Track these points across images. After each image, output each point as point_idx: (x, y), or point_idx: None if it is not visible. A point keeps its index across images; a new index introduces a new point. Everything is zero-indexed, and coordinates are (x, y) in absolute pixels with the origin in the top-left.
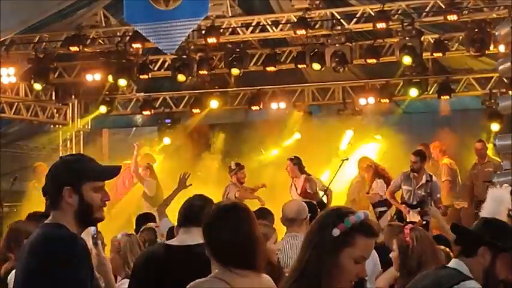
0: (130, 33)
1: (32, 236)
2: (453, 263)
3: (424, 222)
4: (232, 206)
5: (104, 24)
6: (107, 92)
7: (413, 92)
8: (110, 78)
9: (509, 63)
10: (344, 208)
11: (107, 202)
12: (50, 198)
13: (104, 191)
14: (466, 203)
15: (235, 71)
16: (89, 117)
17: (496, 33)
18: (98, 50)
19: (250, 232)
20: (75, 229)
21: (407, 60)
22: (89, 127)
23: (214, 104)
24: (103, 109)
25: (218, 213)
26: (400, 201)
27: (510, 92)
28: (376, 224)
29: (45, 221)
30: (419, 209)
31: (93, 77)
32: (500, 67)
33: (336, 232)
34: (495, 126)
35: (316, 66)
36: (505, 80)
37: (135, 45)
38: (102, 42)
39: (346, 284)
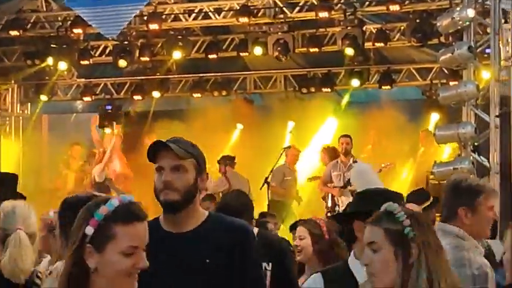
0: (71, 18)
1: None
2: None
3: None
4: None
5: (45, 9)
6: (47, 77)
7: (355, 82)
8: (50, 62)
9: (449, 54)
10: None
11: None
12: None
13: None
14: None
15: (177, 58)
16: (36, 111)
17: (438, 24)
18: (38, 35)
19: None
20: None
21: (350, 51)
22: (28, 113)
23: (156, 94)
24: (44, 98)
25: None
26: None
27: (450, 83)
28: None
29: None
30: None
31: (33, 62)
32: (441, 58)
33: (89, 230)
34: (435, 117)
35: (257, 50)
36: (445, 71)
37: (76, 31)
38: (43, 27)
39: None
